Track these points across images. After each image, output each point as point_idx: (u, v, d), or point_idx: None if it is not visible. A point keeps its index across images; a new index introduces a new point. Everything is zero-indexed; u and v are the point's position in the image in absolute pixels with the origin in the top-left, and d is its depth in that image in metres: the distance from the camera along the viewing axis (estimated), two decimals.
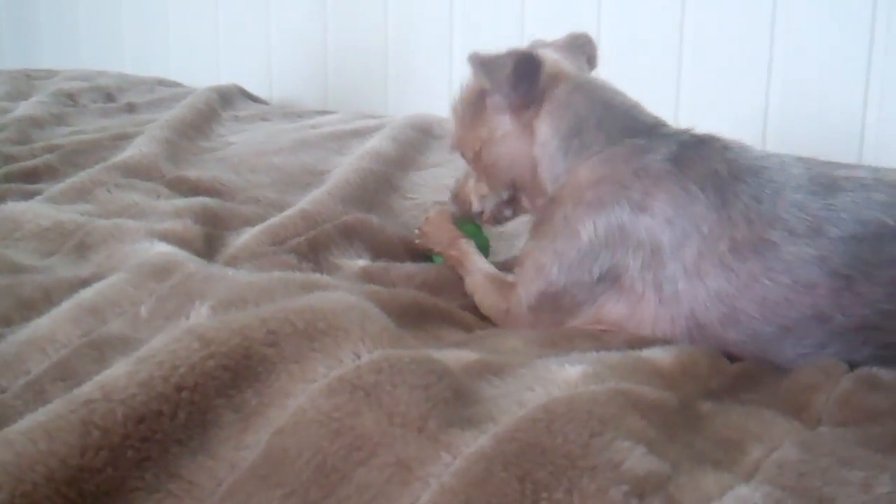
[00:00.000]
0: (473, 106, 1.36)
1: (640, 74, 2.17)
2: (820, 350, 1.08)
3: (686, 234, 1.13)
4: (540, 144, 1.30)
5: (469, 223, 1.46)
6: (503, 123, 1.32)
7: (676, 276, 1.13)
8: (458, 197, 1.48)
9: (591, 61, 1.42)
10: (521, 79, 1.28)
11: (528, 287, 1.22)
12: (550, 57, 1.34)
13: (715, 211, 1.12)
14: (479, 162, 1.38)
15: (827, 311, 1.07)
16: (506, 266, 1.39)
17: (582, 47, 1.41)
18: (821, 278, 1.07)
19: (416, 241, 1.49)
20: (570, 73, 1.33)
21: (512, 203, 1.40)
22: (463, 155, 1.42)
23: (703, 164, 1.17)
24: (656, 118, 1.29)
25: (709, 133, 1.23)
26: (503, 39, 2.27)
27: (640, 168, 1.18)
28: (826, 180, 1.13)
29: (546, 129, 1.29)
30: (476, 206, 1.44)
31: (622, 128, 1.26)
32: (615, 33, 2.24)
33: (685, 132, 1.24)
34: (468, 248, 1.40)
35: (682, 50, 2.20)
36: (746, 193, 1.13)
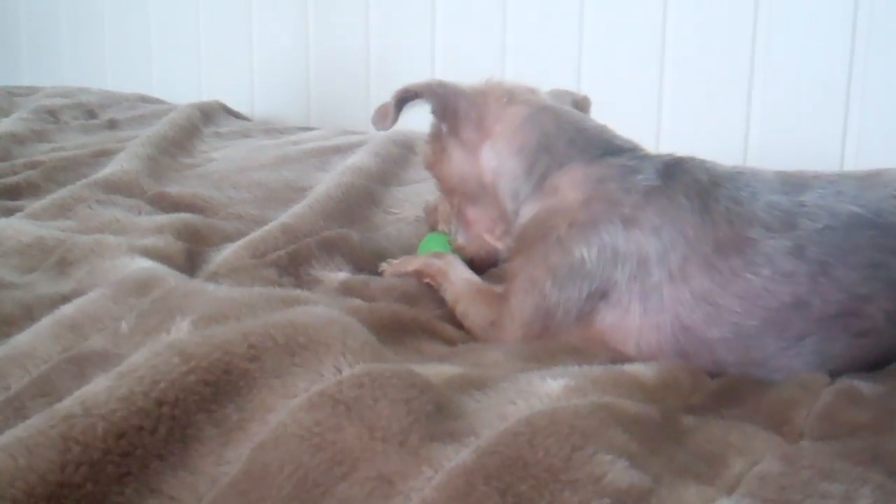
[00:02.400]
0: (434, 127, 1.44)
1: (621, 96, 2.20)
2: (800, 341, 1.10)
3: (673, 240, 1.16)
4: (496, 159, 1.35)
5: (437, 238, 1.49)
6: (449, 143, 1.40)
7: (661, 283, 1.15)
8: (427, 211, 1.55)
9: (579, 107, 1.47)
10: (436, 107, 1.38)
11: (521, 300, 1.23)
12: (494, 83, 1.41)
13: (699, 215, 1.16)
14: (440, 181, 1.46)
15: (805, 298, 1.10)
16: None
17: (570, 96, 1.49)
18: (798, 266, 1.11)
19: (388, 272, 1.49)
20: (526, 97, 1.39)
21: (470, 233, 1.45)
22: (433, 177, 1.47)
23: (686, 176, 1.21)
24: (631, 141, 1.33)
25: (688, 156, 1.26)
26: (484, 58, 2.28)
27: (631, 186, 1.21)
28: (796, 181, 1.19)
29: (503, 146, 1.34)
30: (441, 227, 1.50)
31: (598, 146, 1.30)
32: (596, 55, 2.25)
33: (665, 154, 1.28)
34: (450, 257, 1.41)
35: (663, 72, 2.20)
36: (726, 197, 1.17)
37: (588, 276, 1.19)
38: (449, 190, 1.45)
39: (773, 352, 1.11)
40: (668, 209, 1.18)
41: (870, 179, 1.17)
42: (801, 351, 1.10)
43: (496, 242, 1.42)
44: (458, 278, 1.36)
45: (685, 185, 1.19)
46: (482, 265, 1.45)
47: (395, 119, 1.37)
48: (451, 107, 1.37)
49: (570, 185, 1.26)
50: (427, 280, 1.41)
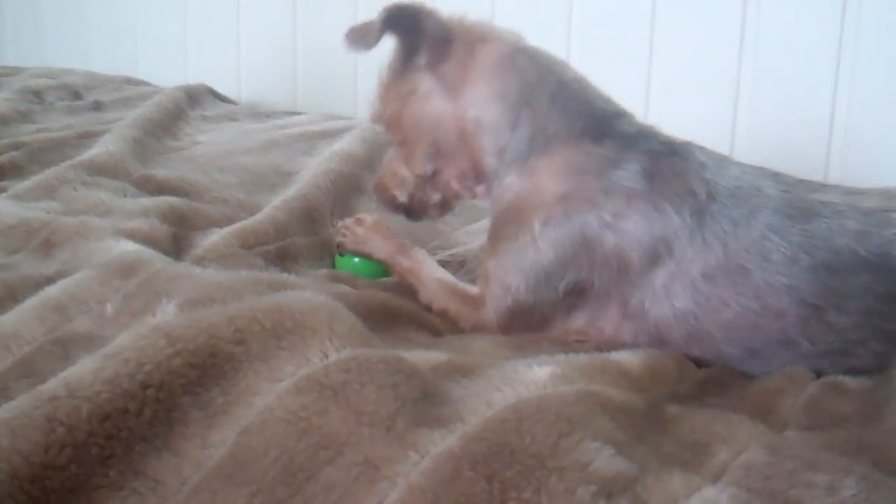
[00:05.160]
0: (396, 70, 1.28)
1: (609, 82, 2.19)
2: (784, 370, 1.08)
3: (657, 255, 1.12)
4: (475, 107, 1.22)
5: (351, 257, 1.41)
6: (423, 81, 1.25)
7: (644, 296, 1.12)
8: (378, 187, 1.36)
9: None
10: (426, 35, 1.22)
11: (497, 304, 1.20)
12: (471, 20, 1.27)
13: (689, 233, 1.11)
14: (398, 129, 1.30)
15: (794, 337, 1.08)
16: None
17: None
18: (790, 306, 1.07)
19: (341, 240, 1.40)
20: (504, 35, 1.27)
21: (437, 184, 1.31)
22: (385, 128, 1.33)
23: (678, 182, 1.14)
24: (615, 105, 1.24)
25: (682, 141, 1.20)
26: None
27: (612, 186, 1.14)
28: (802, 204, 1.13)
29: (483, 89, 1.22)
30: (399, 196, 1.33)
31: (580, 113, 1.21)
32: (585, 42, 2.25)
33: (654, 136, 1.20)
34: (420, 255, 1.33)
35: (651, 59, 2.20)
36: (723, 216, 1.11)
37: (562, 275, 1.15)
38: (414, 140, 1.29)
39: (756, 374, 1.09)
40: (654, 221, 1.12)
41: (878, 215, 1.13)
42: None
43: (464, 192, 1.31)
44: (430, 279, 1.29)
45: (677, 195, 1.12)
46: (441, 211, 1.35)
47: (377, 39, 1.21)
48: (440, 37, 1.23)
49: (550, 172, 1.18)
50: (395, 276, 1.35)
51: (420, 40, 1.24)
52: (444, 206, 1.35)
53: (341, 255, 1.43)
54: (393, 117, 1.29)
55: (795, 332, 1.08)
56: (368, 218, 1.41)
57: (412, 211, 1.35)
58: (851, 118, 1.99)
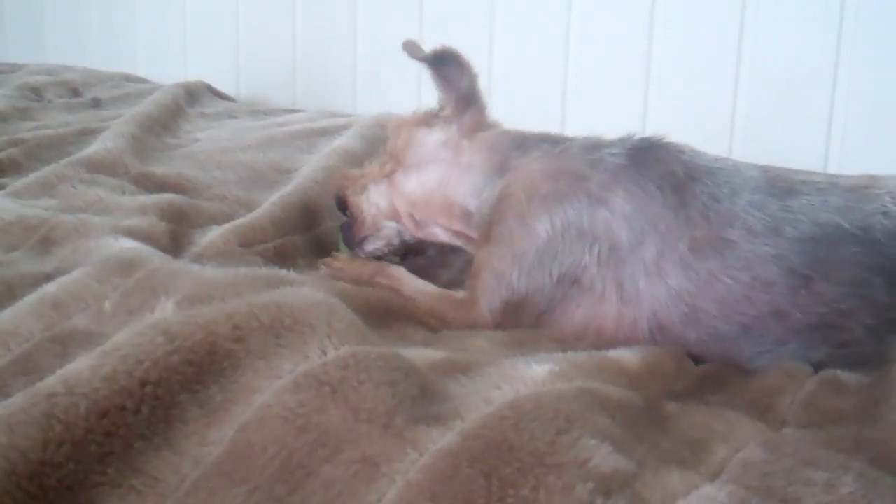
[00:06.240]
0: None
1: (608, 87, 2.19)
2: (779, 347, 1.09)
3: (644, 232, 1.14)
4: (464, 160, 1.33)
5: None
6: (441, 126, 1.37)
7: (636, 275, 1.14)
8: (357, 220, 1.42)
9: None
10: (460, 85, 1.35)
11: (490, 298, 1.20)
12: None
13: (673, 211, 1.14)
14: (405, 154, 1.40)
15: (785, 308, 1.09)
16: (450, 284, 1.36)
17: None
18: (779, 276, 1.09)
19: (325, 274, 1.41)
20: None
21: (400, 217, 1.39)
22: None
23: (659, 166, 1.18)
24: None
25: (657, 136, 1.24)
26: (472, 39, 2.27)
27: (597, 160, 1.19)
28: (784, 183, 1.15)
29: (480, 143, 1.33)
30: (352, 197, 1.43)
31: (565, 139, 1.29)
32: (584, 48, 2.24)
33: (632, 137, 1.25)
34: (398, 272, 1.35)
35: (650, 64, 2.20)
36: (704, 193, 1.14)
37: (555, 257, 1.17)
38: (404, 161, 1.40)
39: (751, 355, 1.11)
40: (638, 197, 1.15)
41: (860, 192, 1.14)
42: (782, 355, 1.09)
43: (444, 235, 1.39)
44: (413, 291, 1.30)
45: (659, 175, 1.17)
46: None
47: (421, 59, 1.36)
48: (468, 99, 1.36)
49: (532, 159, 1.25)
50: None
51: (453, 92, 1.36)
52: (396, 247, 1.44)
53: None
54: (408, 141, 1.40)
55: (786, 303, 1.09)
56: (341, 255, 1.44)
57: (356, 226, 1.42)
58: (850, 114, 1.99)
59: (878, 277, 1.08)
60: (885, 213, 1.10)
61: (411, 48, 1.39)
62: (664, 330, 1.13)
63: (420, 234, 1.40)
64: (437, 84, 1.37)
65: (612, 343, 1.12)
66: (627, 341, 1.13)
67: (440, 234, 1.39)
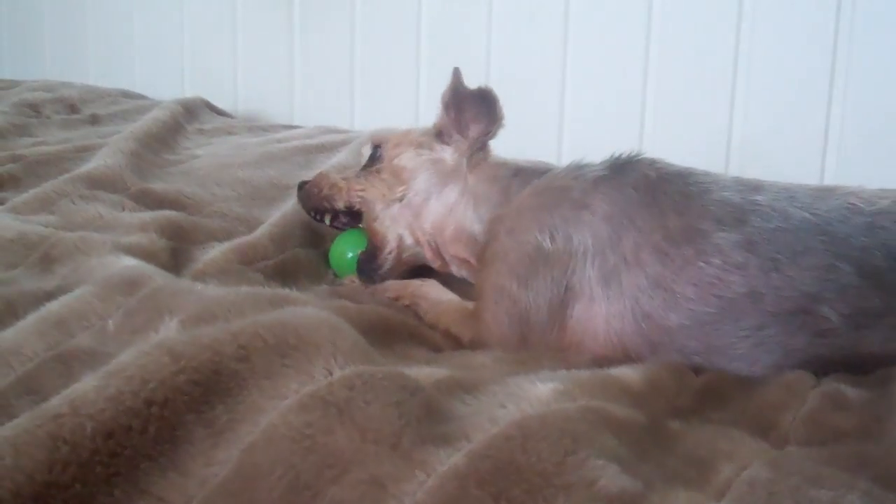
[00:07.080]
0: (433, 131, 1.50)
1: (605, 97, 2.20)
2: (758, 332, 1.12)
3: (623, 227, 1.20)
4: (471, 189, 1.43)
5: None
6: (447, 152, 1.47)
7: (619, 268, 1.19)
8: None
9: None
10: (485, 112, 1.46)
11: (494, 313, 1.24)
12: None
13: (646, 206, 1.21)
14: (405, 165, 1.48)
15: (759, 289, 1.13)
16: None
17: None
18: (749, 259, 1.14)
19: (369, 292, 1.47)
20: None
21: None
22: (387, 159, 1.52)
23: (634, 172, 1.26)
24: None
25: (635, 153, 1.31)
26: (470, 56, 2.28)
27: (579, 175, 1.28)
28: (750, 182, 1.23)
29: (483, 174, 1.44)
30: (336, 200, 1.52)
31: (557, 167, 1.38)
32: (581, 56, 2.25)
33: (613, 156, 1.32)
34: (429, 281, 1.43)
35: (646, 75, 2.21)
36: (676, 192, 1.21)
37: (549, 262, 1.21)
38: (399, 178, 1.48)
39: (733, 340, 1.13)
40: (616, 198, 1.22)
41: (823, 191, 1.20)
42: (762, 340, 1.12)
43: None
44: (438, 299, 1.38)
45: (634, 179, 1.24)
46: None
47: (463, 95, 1.45)
48: (485, 138, 1.47)
49: (524, 189, 1.34)
50: (404, 302, 1.42)
51: (475, 128, 1.46)
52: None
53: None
54: (416, 155, 1.50)
55: (759, 284, 1.13)
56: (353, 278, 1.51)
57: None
58: (846, 125, 2.00)
59: (845, 264, 1.11)
60: (849, 208, 1.16)
61: (457, 78, 1.47)
62: (649, 318, 1.16)
63: (437, 264, 1.48)
64: (460, 115, 1.47)
65: (607, 345, 1.17)
66: (619, 336, 1.17)
67: (450, 263, 1.48)
